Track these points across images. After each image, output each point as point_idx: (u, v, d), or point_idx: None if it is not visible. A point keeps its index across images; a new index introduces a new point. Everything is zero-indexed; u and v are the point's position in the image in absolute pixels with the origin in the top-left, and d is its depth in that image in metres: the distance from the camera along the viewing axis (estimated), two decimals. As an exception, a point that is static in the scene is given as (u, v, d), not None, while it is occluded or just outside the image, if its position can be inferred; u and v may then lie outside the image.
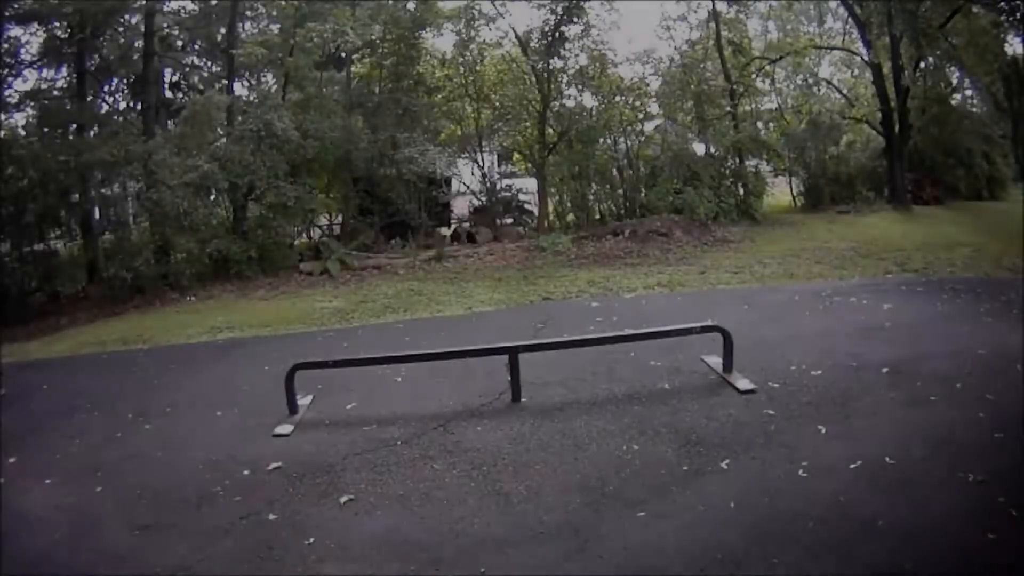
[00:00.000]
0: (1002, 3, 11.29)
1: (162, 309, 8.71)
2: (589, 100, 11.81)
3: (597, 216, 11.75)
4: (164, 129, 11.72)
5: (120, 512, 3.13)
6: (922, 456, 3.01)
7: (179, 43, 13.02)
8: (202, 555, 2.71)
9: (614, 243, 9.95)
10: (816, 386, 3.90)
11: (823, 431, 3.34)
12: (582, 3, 10.76)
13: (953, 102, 13.50)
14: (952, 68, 13.18)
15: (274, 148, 9.84)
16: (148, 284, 9.57)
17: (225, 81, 11.83)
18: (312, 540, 2.76)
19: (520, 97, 11.60)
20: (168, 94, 13.27)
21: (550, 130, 11.61)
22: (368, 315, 7.18)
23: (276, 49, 10.58)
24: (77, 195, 10.59)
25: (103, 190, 11.20)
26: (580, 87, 11.64)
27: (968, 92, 14.18)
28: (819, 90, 13.49)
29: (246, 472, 3.43)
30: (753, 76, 12.54)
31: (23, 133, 11.42)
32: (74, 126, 11.51)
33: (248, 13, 12.22)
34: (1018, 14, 11.22)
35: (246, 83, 12.73)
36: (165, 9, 12.00)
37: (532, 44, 11.24)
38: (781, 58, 12.61)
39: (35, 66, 11.54)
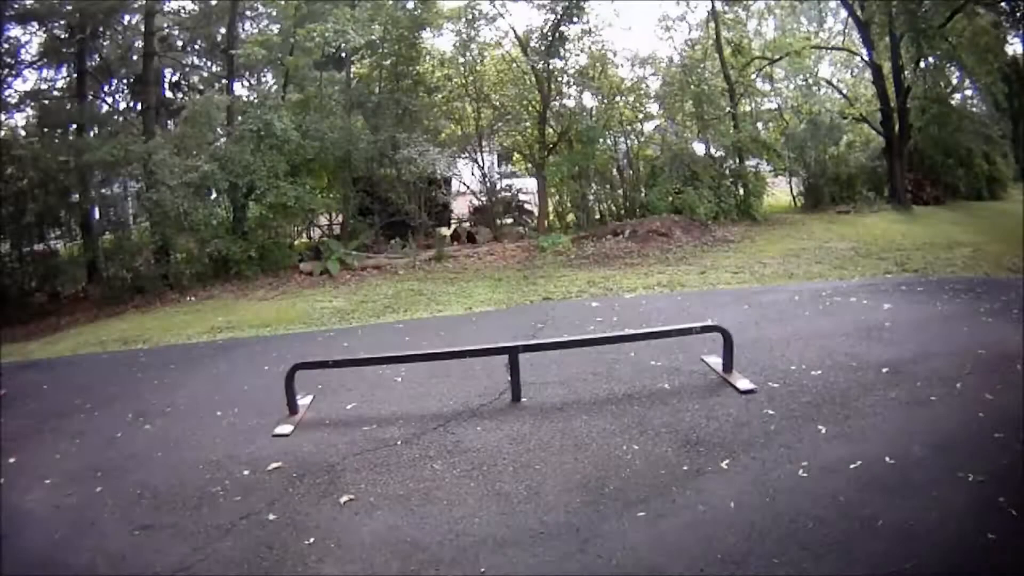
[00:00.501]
0: (1002, 3, 11.30)
1: (162, 309, 8.71)
2: (589, 100, 11.83)
3: (597, 216, 11.75)
4: (164, 129, 11.73)
5: (120, 512, 3.13)
6: (922, 456, 3.01)
7: (179, 43, 13.02)
8: (202, 555, 2.71)
9: (614, 243, 9.95)
10: (816, 386, 3.90)
11: (823, 431, 3.34)
12: (582, 3, 10.75)
13: (953, 102, 13.50)
14: (952, 68, 13.18)
15: (274, 148, 9.83)
16: (148, 284, 9.57)
17: (225, 81, 11.84)
18: (312, 540, 2.76)
19: (520, 97, 11.60)
20: (168, 94, 13.28)
21: (550, 130, 11.61)
22: (368, 315, 7.19)
23: (276, 49, 10.58)
24: (77, 195, 10.59)
25: (103, 190, 11.19)
26: (580, 87, 11.65)
27: (968, 92, 14.18)
28: (819, 90, 13.49)
29: (246, 472, 3.43)
30: (753, 76, 12.54)
31: (23, 133, 11.43)
32: (74, 126, 11.52)
33: (248, 13, 12.22)
34: (1018, 14, 11.23)
35: (246, 83, 12.74)
36: (165, 9, 12.00)
37: (532, 44, 11.24)
38: (780, 58, 12.61)
39: (35, 66, 11.55)
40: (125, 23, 12.06)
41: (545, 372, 4.45)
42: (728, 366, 4.18)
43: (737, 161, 11.89)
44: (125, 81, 12.64)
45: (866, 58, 12.14)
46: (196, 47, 13.18)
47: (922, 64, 12.19)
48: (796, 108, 12.69)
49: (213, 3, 12.18)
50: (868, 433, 3.29)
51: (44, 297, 10.30)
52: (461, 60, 11.68)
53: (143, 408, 4.57)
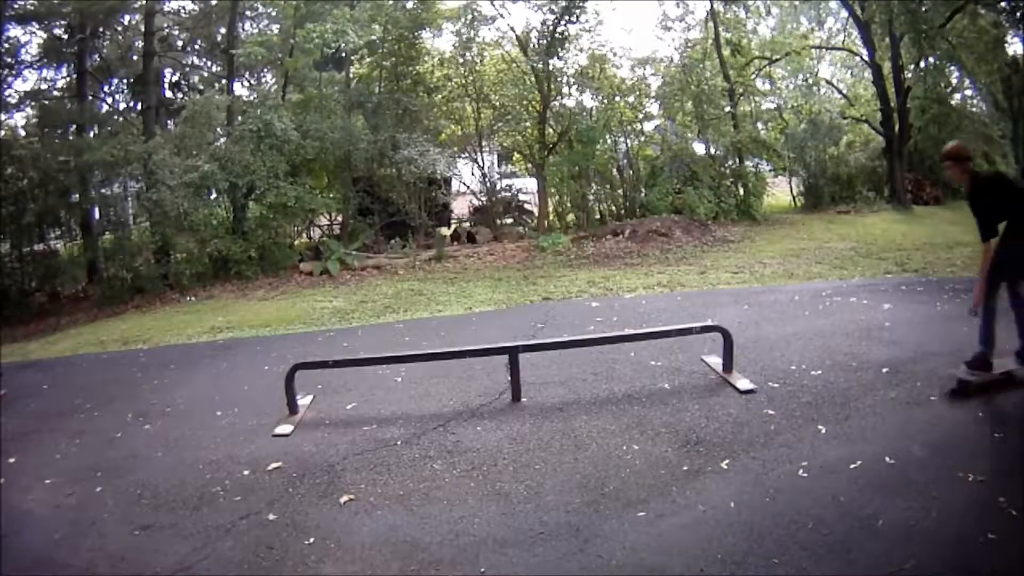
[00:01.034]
0: (1002, 3, 11.29)
1: (162, 309, 8.71)
2: (589, 100, 11.82)
3: (597, 216, 11.76)
4: (164, 129, 11.74)
5: (120, 512, 3.13)
6: (922, 456, 3.01)
7: (179, 43, 13.03)
8: (202, 555, 2.70)
9: (614, 243, 9.95)
10: (816, 386, 3.90)
11: (823, 431, 3.34)
12: (581, 3, 10.76)
13: (953, 102, 13.50)
14: (952, 68, 13.18)
15: (274, 148, 9.84)
16: (148, 284, 9.58)
17: (225, 81, 11.84)
18: (312, 540, 2.76)
19: (520, 97, 11.60)
20: (168, 94, 13.29)
21: (550, 130, 11.62)
22: (368, 315, 7.18)
23: (276, 49, 10.58)
24: (77, 195, 10.61)
25: (103, 190, 11.20)
26: (580, 87, 11.65)
27: (968, 92, 14.18)
28: (819, 90, 13.49)
29: (246, 472, 3.43)
30: (752, 76, 12.54)
31: (23, 133, 11.45)
32: (74, 126, 11.53)
33: (248, 13, 12.23)
34: (1018, 14, 11.22)
35: (246, 83, 12.76)
36: (165, 9, 12.02)
37: (532, 44, 11.24)
38: (780, 58, 12.60)
39: (35, 66, 11.56)
40: (125, 23, 12.09)
41: (545, 372, 4.45)
42: (728, 366, 4.18)
43: (737, 161, 11.90)
44: (125, 81, 12.67)
45: (866, 58, 12.13)
46: (196, 47, 13.21)
47: (922, 64, 12.19)
48: (796, 108, 12.70)
49: (213, 3, 12.19)
50: (868, 433, 3.29)
51: (44, 297, 10.31)
52: (461, 60, 11.69)
53: (143, 408, 4.57)
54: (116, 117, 12.33)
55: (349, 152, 10.54)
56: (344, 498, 3.08)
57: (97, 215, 11.25)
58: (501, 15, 11.31)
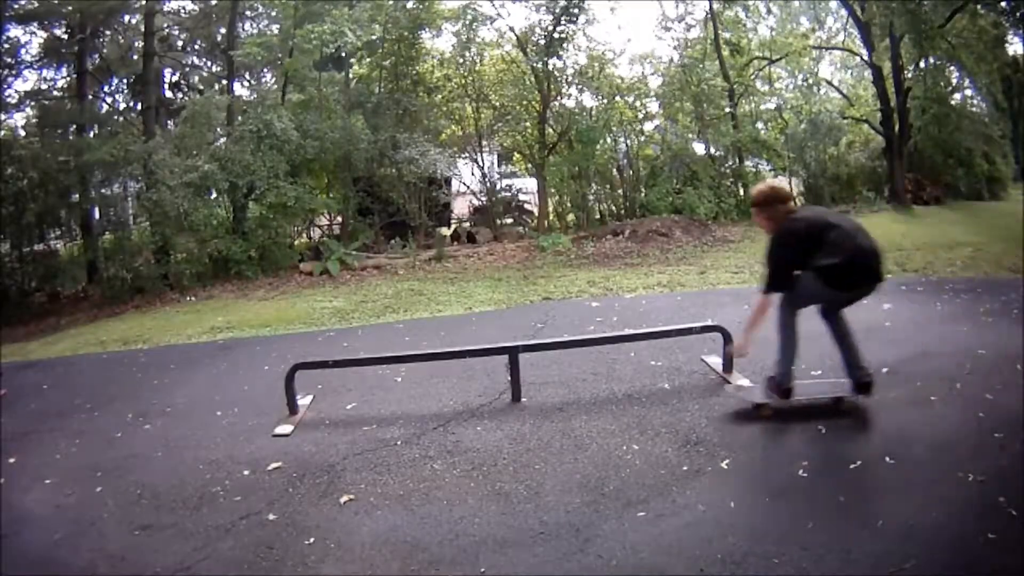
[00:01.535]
0: (1002, 3, 11.29)
1: (162, 309, 8.71)
2: (589, 100, 11.82)
3: (597, 216, 11.76)
4: (164, 129, 11.74)
5: (120, 512, 3.13)
6: (922, 456, 3.00)
7: (179, 43, 13.03)
8: (202, 555, 2.70)
9: (614, 243, 9.95)
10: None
11: (823, 431, 3.34)
12: (580, 3, 10.76)
13: (953, 102, 13.50)
14: (952, 68, 13.18)
15: (274, 148, 9.84)
16: (148, 284, 9.58)
17: (225, 81, 11.84)
18: (312, 540, 2.75)
19: (520, 97, 11.61)
20: (168, 94, 13.30)
21: (550, 130, 11.62)
22: (368, 315, 7.18)
23: (275, 50, 10.58)
24: (77, 195, 10.62)
25: (103, 190, 11.21)
26: (579, 87, 11.65)
27: (968, 92, 14.18)
28: (819, 90, 13.49)
29: (246, 472, 3.43)
30: (752, 76, 12.54)
31: (23, 133, 11.45)
32: (74, 126, 11.53)
33: (248, 13, 12.23)
34: (1018, 14, 11.22)
35: (246, 83, 12.76)
36: (165, 9, 12.03)
37: (531, 44, 11.24)
38: (780, 58, 12.60)
39: (35, 66, 11.57)
40: (125, 23, 12.08)
41: (545, 372, 4.45)
42: (728, 366, 4.18)
43: (737, 161, 11.90)
44: (125, 81, 12.67)
45: (866, 58, 12.13)
46: (196, 47, 13.21)
47: (922, 64, 12.19)
48: (796, 108, 12.70)
49: (213, 3, 12.19)
50: (868, 433, 3.29)
51: (44, 297, 10.32)
52: (460, 60, 11.69)
53: (143, 408, 4.57)
54: (116, 117, 12.34)
55: (349, 152, 10.54)
56: (344, 498, 3.08)
57: (97, 215, 11.25)
58: (500, 15, 11.33)
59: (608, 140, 11.75)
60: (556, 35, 10.88)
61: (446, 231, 12.14)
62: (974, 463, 2.87)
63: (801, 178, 12.82)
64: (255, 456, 3.60)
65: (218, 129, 11.00)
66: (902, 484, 2.79)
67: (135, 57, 11.89)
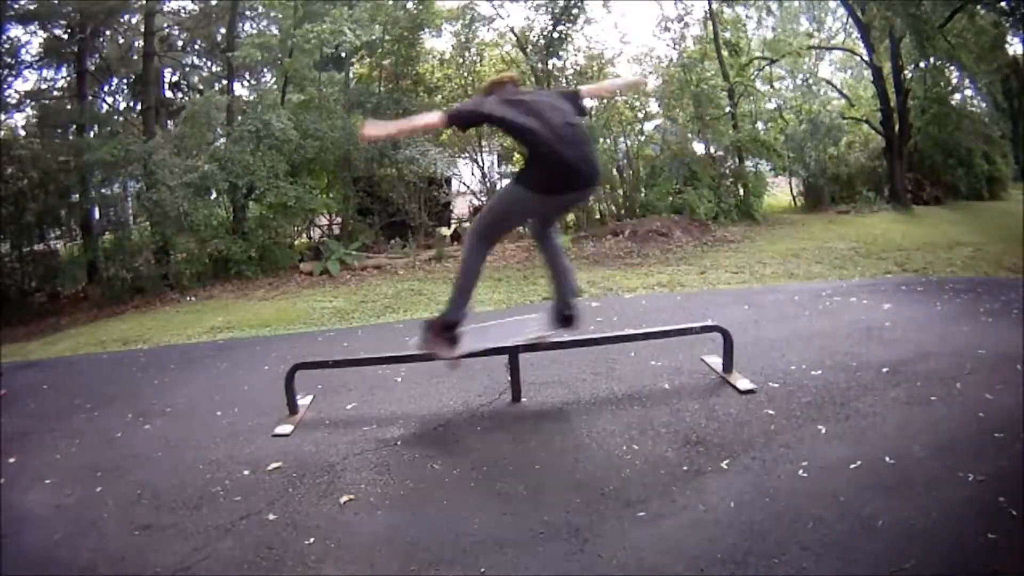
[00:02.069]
0: (1002, 3, 11.30)
1: (162, 309, 8.71)
2: (588, 100, 11.81)
3: (597, 216, 11.76)
4: (164, 129, 11.74)
5: (120, 512, 3.13)
6: (922, 456, 3.00)
7: (179, 43, 13.03)
8: (202, 555, 2.70)
9: (614, 243, 9.95)
10: (816, 386, 3.90)
11: (823, 431, 3.33)
12: (580, 3, 10.77)
13: (953, 102, 13.51)
14: (952, 68, 13.19)
15: (274, 148, 9.84)
16: (148, 284, 9.58)
17: (225, 81, 11.84)
18: (312, 540, 2.75)
19: (520, 97, 11.59)
20: (168, 94, 13.30)
21: (550, 130, 11.60)
22: (368, 315, 7.18)
23: (275, 50, 10.58)
24: (77, 195, 10.62)
25: (103, 190, 11.21)
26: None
27: (968, 92, 14.19)
28: (819, 90, 13.50)
29: (246, 472, 3.42)
30: (752, 76, 12.54)
31: (23, 133, 11.45)
32: (74, 126, 11.53)
33: (248, 13, 12.23)
34: (1018, 14, 11.23)
35: (246, 83, 12.75)
36: (165, 9, 12.02)
37: (530, 44, 11.25)
38: (780, 59, 12.60)
39: (35, 66, 11.56)
40: (125, 23, 12.07)
41: (545, 372, 4.45)
42: (728, 366, 4.17)
43: (737, 161, 11.90)
44: (125, 81, 12.67)
45: (866, 58, 12.13)
46: (196, 47, 13.21)
47: (922, 64, 12.20)
48: (796, 108, 12.70)
49: (213, 3, 12.19)
50: (868, 433, 3.28)
51: (44, 297, 10.32)
52: (460, 60, 11.69)
53: (143, 408, 4.57)
54: (116, 117, 12.33)
55: (349, 152, 10.53)
56: (344, 498, 3.08)
57: (97, 215, 11.25)
58: (500, 15, 11.32)
59: (608, 140, 11.75)
60: (556, 35, 10.88)
61: (446, 231, 12.13)
62: (974, 463, 2.87)
63: (801, 178, 12.83)
64: (255, 456, 3.60)
65: (218, 129, 11.00)
66: (902, 484, 2.79)
67: (135, 57, 11.89)
